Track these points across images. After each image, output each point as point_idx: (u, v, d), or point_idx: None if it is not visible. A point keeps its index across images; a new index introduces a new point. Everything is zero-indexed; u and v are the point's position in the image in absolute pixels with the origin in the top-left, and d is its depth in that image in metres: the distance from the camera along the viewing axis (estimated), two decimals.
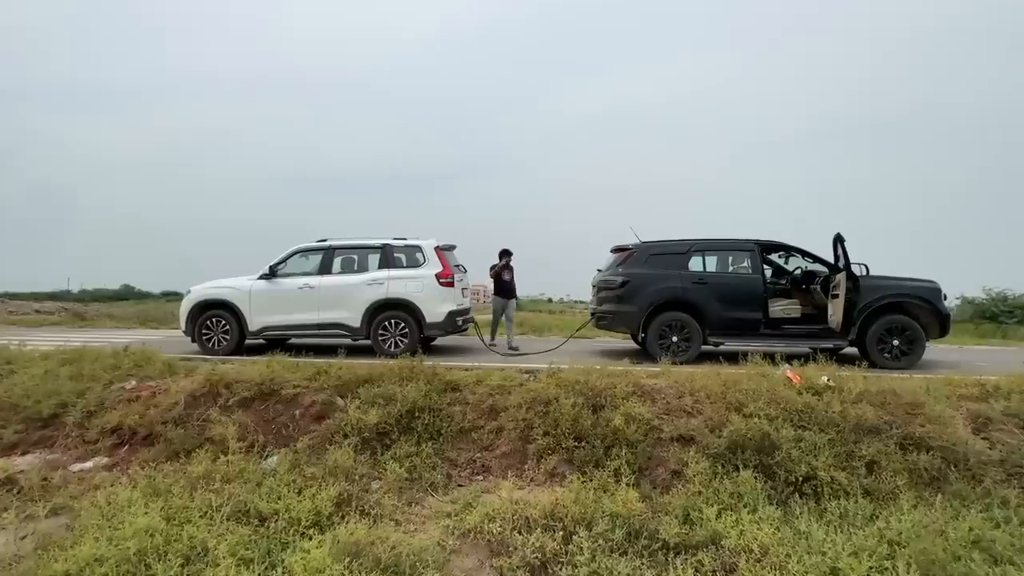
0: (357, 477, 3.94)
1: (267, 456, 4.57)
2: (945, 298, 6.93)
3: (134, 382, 5.78)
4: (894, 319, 6.73)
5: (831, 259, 7.03)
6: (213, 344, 7.61)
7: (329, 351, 6.91)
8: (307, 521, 3.24)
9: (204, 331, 7.64)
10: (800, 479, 3.82)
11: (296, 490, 3.67)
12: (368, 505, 3.57)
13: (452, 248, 8.33)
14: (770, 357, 5.95)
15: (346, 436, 4.61)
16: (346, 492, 3.64)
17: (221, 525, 3.22)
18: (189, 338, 7.72)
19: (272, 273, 7.68)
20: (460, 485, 4.24)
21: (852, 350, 7.05)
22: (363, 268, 7.85)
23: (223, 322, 7.60)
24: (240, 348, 7.63)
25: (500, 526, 3.29)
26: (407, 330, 7.38)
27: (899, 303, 6.79)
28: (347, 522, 3.32)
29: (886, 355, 6.71)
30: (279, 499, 3.53)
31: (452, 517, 3.51)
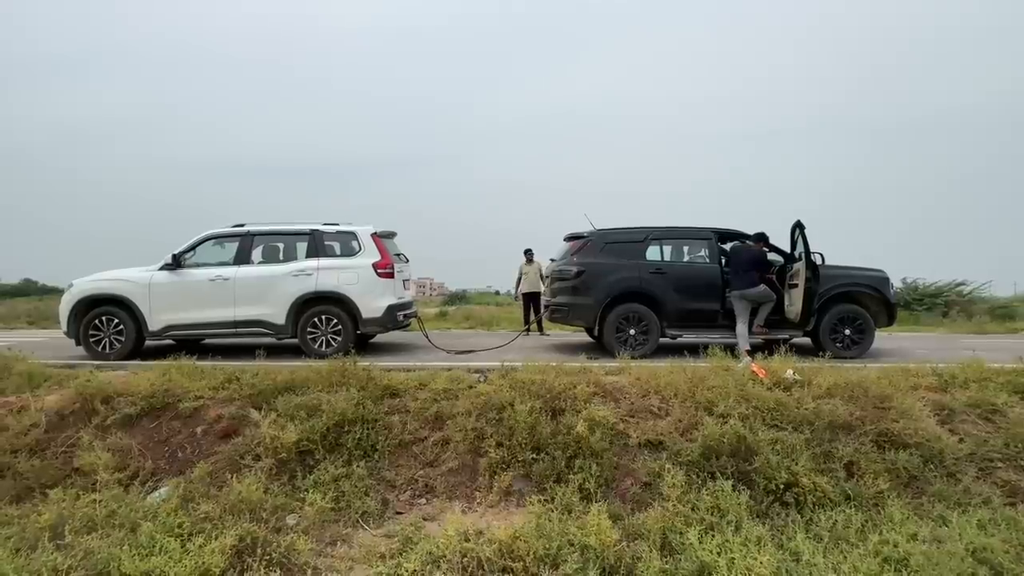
0: (267, 513, 3.17)
1: (155, 488, 3.69)
2: (892, 287, 6.98)
3: None
4: (846, 308, 6.67)
5: (788, 247, 6.87)
6: (104, 347, 6.41)
7: (250, 352, 5.96)
8: None
9: (92, 332, 6.42)
10: (781, 487, 3.45)
11: (184, 537, 2.86)
12: (278, 551, 2.83)
13: (392, 235, 7.51)
14: (729, 349, 5.69)
15: (258, 458, 3.81)
16: (250, 535, 2.88)
17: None
18: (73, 341, 6.48)
19: (177, 263, 6.56)
20: (399, 512, 3.56)
21: (803, 340, 6.97)
22: (289, 257, 6.89)
23: (116, 321, 6.42)
24: (138, 351, 6.49)
25: (447, 572, 2.66)
26: (340, 327, 6.53)
27: (851, 292, 6.75)
28: None
29: (838, 344, 6.63)
30: (158, 551, 2.72)
31: (386, 561, 2.84)
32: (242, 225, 6.87)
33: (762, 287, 6.38)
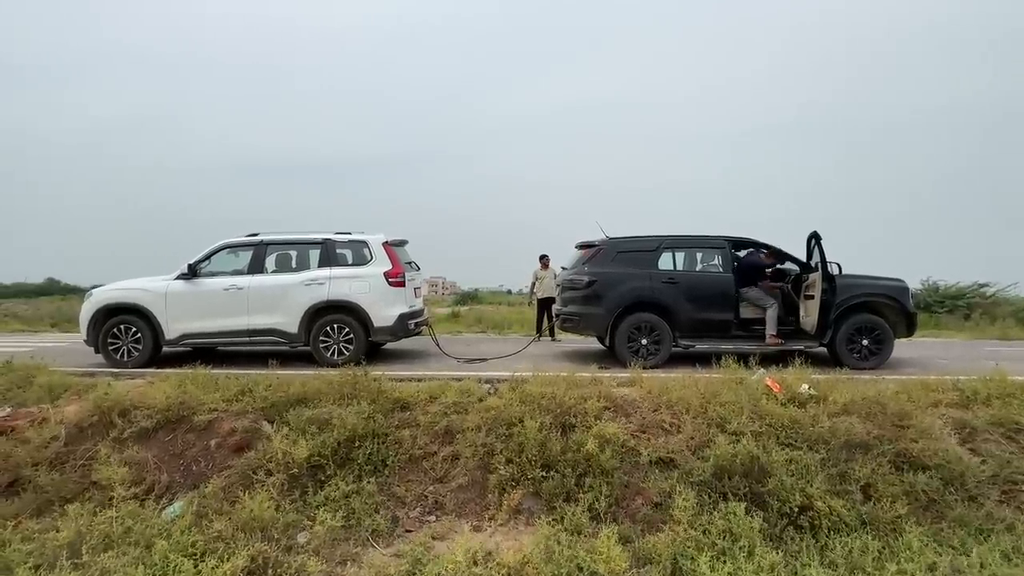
0: (278, 531, 3.20)
1: (170, 502, 3.75)
2: (912, 297, 6.81)
3: (8, 409, 4.75)
4: (864, 318, 6.53)
5: (803, 257, 6.75)
6: (122, 355, 6.54)
7: (263, 360, 6.02)
8: None
9: (111, 340, 6.55)
10: (795, 510, 3.39)
11: (197, 557, 2.91)
12: (289, 572, 2.86)
13: (403, 244, 7.55)
14: (743, 359, 5.60)
15: (270, 474, 3.85)
16: (261, 555, 2.91)
17: None
18: (92, 348, 6.62)
19: (193, 272, 6.66)
20: (408, 531, 3.57)
21: (819, 350, 6.85)
22: (302, 266, 6.96)
23: (134, 329, 6.55)
24: (155, 359, 6.61)
25: None
26: (352, 336, 6.58)
27: (869, 302, 6.60)
28: None
29: (855, 355, 6.50)
30: (172, 572, 2.76)
31: None
32: (256, 234, 6.95)
33: (747, 289, 6.82)
